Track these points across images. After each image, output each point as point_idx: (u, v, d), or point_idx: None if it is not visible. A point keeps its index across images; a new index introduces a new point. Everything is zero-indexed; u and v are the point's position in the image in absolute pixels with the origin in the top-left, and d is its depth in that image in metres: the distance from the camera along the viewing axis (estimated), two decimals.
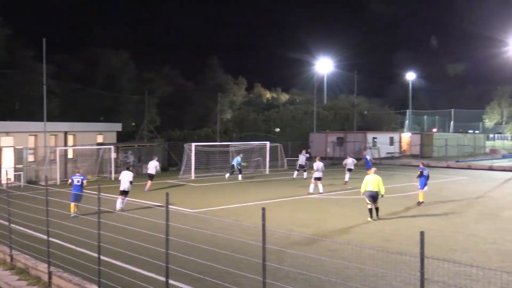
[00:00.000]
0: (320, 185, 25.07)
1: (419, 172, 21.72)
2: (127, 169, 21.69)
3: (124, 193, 20.56)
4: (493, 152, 58.93)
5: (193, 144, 34.11)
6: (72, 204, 18.72)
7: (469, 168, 41.35)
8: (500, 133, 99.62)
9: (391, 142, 55.17)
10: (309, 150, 41.26)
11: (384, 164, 42.77)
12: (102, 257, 10.34)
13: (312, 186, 25.02)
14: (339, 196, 24.50)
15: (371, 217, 17.64)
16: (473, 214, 19.21)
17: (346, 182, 29.42)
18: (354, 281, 10.59)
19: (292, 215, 19.00)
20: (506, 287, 10.07)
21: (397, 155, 54.23)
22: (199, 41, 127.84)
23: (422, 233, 6.47)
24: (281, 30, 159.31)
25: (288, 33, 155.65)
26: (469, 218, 18.25)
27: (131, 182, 20.67)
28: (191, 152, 33.59)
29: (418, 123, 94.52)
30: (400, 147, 57.16)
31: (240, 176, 32.64)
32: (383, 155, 50.07)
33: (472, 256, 12.89)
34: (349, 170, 30.13)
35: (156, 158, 28.62)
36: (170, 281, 9.40)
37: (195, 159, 34.03)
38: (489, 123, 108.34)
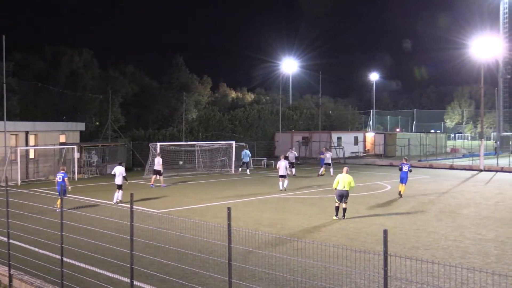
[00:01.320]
0: (285, 182, 26.12)
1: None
2: (120, 164, 22.75)
3: (119, 187, 21.75)
4: (454, 151, 60.31)
5: (158, 144, 33.77)
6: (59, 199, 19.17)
7: (430, 167, 42.23)
8: (460, 133, 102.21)
9: (356, 141, 55.93)
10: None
11: (349, 164, 43.22)
12: (65, 259, 10.16)
13: (280, 183, 26.04)
14: (304, 196, 24.68)
15: (336, 215, 17.82)
16: (435, 212, 19.62)
17: (332, 175, 32.31)
18: (319, 280, 10.69)
19: (258, 215, 19.03)
20: (465, 282, 10.34)
21: (361, 154, 54.96)
22: (163, 40, 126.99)
23: (385, 231, 6.56)
24: (246, 31, 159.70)
25: (253, 33, 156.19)
26: (431, 216, 18.63)
27: (124, 177, 21.95)
28: (156, 152, 33.23)
29: (381, 123, 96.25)
30: (364, 146, 58.02)
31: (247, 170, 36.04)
32: (347, 154, 50.70)
33: (434, 253, 13.17)
34: (327, 164, 34.17)
35: (161, 155, 29.25)
36: (135, 283, 9.30)
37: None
38: (450, 123, 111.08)
